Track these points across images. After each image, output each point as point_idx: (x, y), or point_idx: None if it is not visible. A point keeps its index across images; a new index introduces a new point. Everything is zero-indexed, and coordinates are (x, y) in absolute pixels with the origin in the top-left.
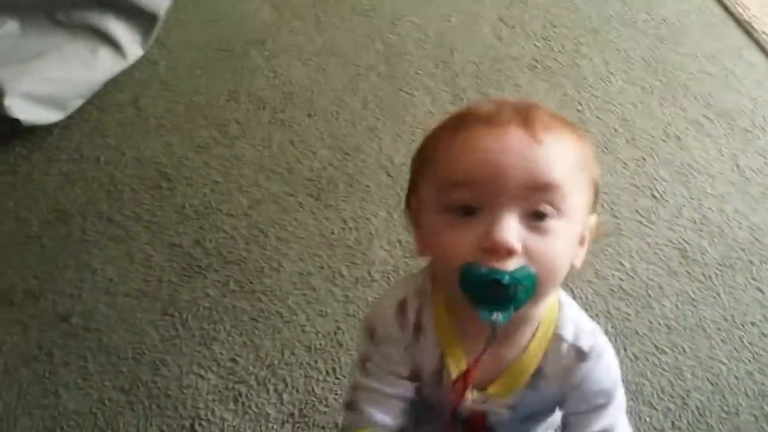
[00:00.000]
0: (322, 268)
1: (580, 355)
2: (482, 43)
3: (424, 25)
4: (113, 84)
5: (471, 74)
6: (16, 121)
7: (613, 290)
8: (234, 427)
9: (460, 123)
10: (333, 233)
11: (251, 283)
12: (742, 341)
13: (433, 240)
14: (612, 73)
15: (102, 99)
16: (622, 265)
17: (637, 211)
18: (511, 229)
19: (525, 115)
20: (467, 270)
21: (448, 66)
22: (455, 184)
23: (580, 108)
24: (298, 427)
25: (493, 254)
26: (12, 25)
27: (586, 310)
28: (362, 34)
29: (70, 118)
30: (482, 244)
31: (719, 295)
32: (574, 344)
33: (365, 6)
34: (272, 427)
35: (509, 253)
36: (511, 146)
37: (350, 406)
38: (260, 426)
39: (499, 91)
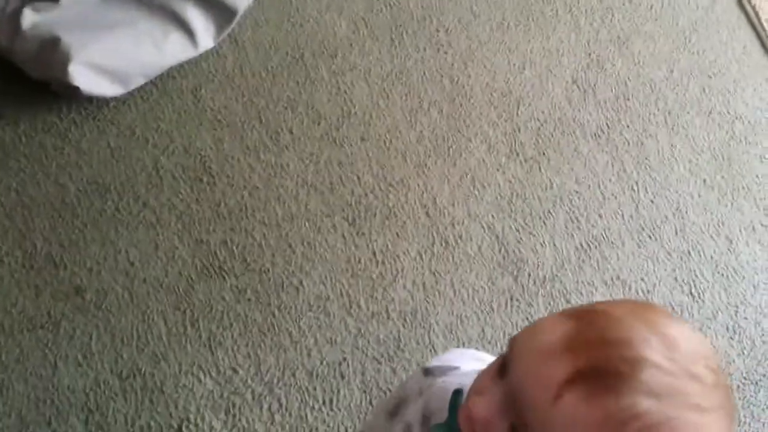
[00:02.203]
0: (341, 295)
1: None
2: (551, 101)
3: (496, 72)
4: (178, 69)
5: (533, 131)
6: (77, 88)
7: None
8: None
9: None
10: (360, 262)
11: (268, 295)
12: None
13: None
14: (676, 159)
15: (164, 82)
16: None
17: (671, 305)
18: None
19: None
20: None
21: (511, 118)
22: None
23: (635, 188)
24: None
25: None
26: None
27: None
28: (433, 67)
29: (129, 94)
30: None
31: (737, 408)
32: None
33: (442, 40)
34: None
35: None
36: None
37: None
38: None
39: (558, 154)
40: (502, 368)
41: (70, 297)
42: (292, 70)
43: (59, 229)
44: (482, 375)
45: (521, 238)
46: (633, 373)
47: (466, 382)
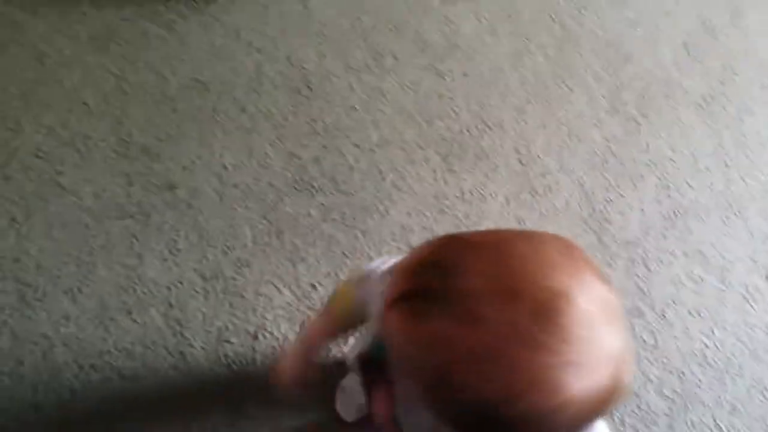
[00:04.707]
0: (425, 229)
1: None
2: (659, 63)
3: (608, 26)
4: None
5: (636, 90)
6: None
7: (695, 353)
8: None
9: None
10: (447, 199)
11: (354, 219)
12: None
13: None
14: None
15: None
16: (713, 333)
17: (746, 287)
18: None
19: None
20: None
21: (616, 74)
22: None
23: (729, 164)
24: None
25: None
26: None
27: (663, 362)
28: (545, 10)
29: None
30: None
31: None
32: None
33: None
34: None
35: None
36: None
37: None
38: None
39: (659, 117)
40: None
41: (162, 191)
42: None
43: (157, 120)
44: None
45: (610, 198)
46: (454, 298)
47: None
